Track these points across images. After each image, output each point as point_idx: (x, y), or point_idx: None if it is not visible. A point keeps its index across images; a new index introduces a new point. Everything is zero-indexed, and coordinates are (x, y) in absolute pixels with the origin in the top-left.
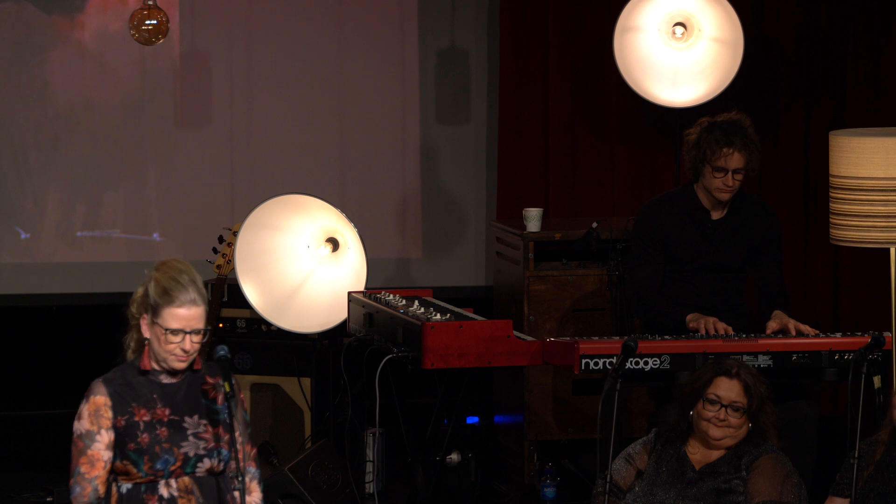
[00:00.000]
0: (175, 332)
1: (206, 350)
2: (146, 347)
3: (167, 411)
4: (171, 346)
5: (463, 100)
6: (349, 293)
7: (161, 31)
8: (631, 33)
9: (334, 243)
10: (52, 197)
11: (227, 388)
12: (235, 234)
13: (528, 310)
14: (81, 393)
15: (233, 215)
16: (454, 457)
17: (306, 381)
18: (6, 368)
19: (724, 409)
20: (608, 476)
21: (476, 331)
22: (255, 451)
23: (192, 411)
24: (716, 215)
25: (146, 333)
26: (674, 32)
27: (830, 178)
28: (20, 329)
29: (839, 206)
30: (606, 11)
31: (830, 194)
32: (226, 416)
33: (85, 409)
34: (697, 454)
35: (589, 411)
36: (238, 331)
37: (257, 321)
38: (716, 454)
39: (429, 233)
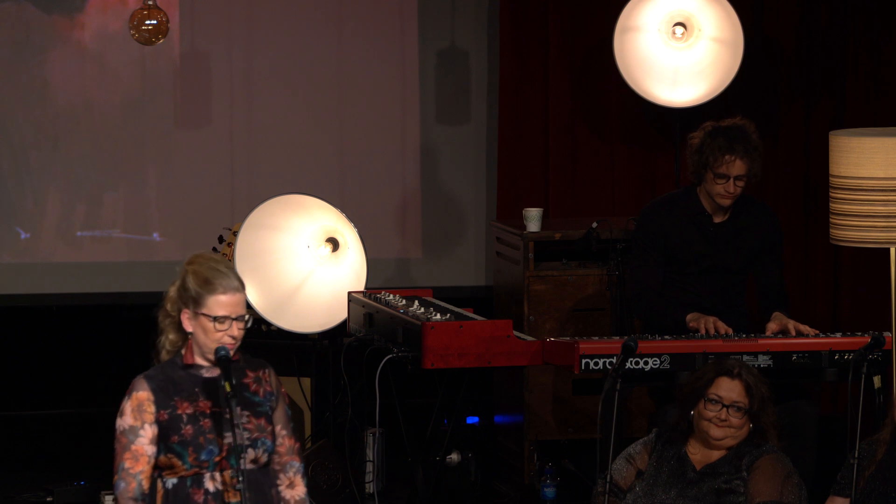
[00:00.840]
0: (222, 319)
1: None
2: (189, 342)
3: (209, 404)
4: (219, 335)
5: (463, 100)
6: (349, 293)
7: (161, 31)
8: (631, 33)
9: (334, 243)
10: (52, 197)
11: (228, 389)
12: (235, 234)
13: (528, 310)
14: (82, 393)
15: (233, 215)
16: (454, 457)
17: (306, 381)
18: (6, 368)
19: (725, 409)
20: (608, 476)
21: (476, 331)
22: (297, 445)
23: (236, 403)
24: (717, 218)
25: (189, 327)
26: (674, 32)
27: (830, 178)
28: (20, 329)
29: (839, 206)
30: (606, 11)
31: (830, 194)
32: (268, 408)
33: (127, 405)
34: (698, 454)
35: (589, 411)
36: None
37: (257, 321)
38: (716, 454)
39: (429, 233)
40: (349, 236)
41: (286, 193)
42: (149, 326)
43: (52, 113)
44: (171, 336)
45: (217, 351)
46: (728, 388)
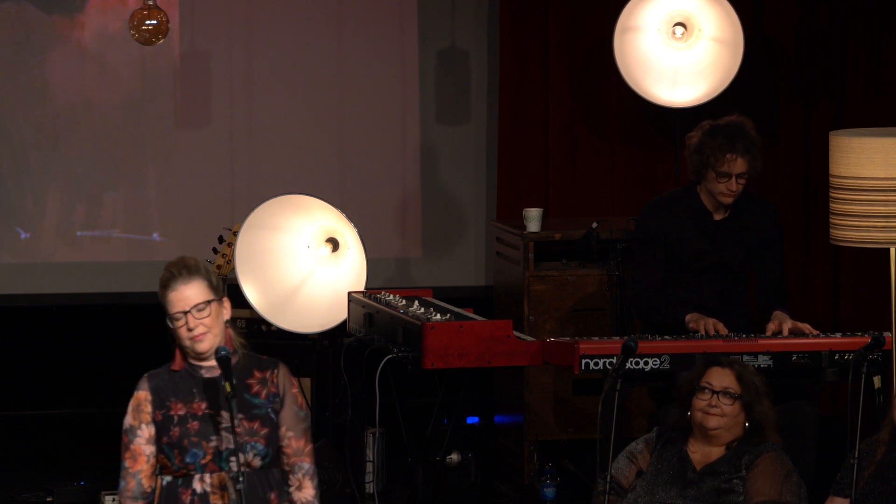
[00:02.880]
0: (177, 316)
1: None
2: (176, 349)
3: (204, 405)
4: (182, 332)
5: (463, 100)
6: (349, 293)
7: (161, 31)
8: (631, 33)
9: (334, 243)
10: (52, 197)
11: (228, 389)
12: (235, 234)
13: (528, 310)
14: (82, 393)
15: (233, 215)
16: (454, 457)
17: (306, 381)
18: (6, 368)
19: (715, 395)
20: (608, 476)
21: (476, 331)
22: (309, 446)
23: (229, 406)
24: (718, 216)
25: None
26: (674, 32)
27: (830, 178)
28: (20, 329)
29: (839, 206)
30: (606, 11)
31: (830, 194)
32: (268, 410)
33: (130, 404)
34: (698, 454)
35: (589, 411)
36: (238, 331)
37: (257, 321)
38: (716, 454)
39: (429, 233)
40: (349, 236)
41: (286, 193)
42: (148, 326)
43: (52, 113)
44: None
45: (217, 351)
46: (718, 376)
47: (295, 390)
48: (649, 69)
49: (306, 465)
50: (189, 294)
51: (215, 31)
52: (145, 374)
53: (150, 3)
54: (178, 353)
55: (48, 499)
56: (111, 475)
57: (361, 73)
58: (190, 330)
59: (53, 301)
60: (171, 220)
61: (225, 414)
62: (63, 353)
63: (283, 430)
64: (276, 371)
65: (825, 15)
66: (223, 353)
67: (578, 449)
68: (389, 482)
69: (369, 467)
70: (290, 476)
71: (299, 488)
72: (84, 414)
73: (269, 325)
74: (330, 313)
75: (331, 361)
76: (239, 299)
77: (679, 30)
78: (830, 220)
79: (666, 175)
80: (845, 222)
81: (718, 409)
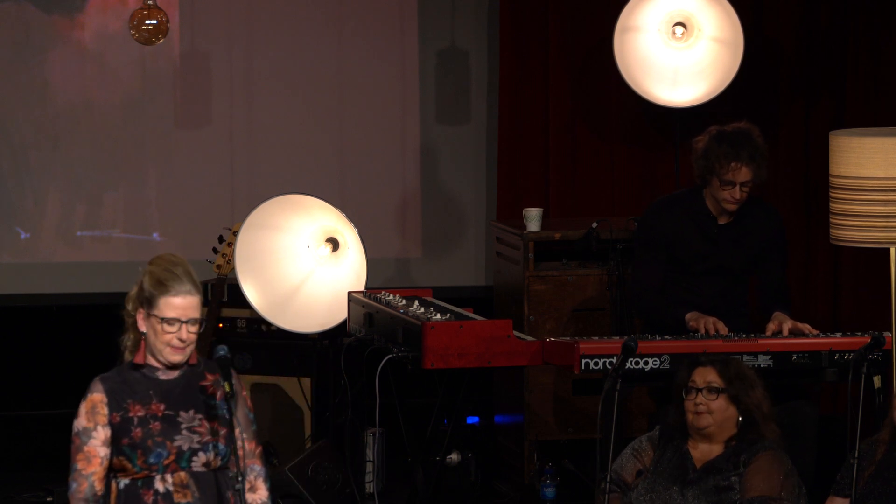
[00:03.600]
0: (171, 321)
1: (207, 348)
2: (142, 342)
3: (162, 407)
4: (168, 337)
5: (463, 100)
6: (349, 293)
7: (161, 31)
8: (631, 33)
9: (334, 243)
10: (52, 197)
11: (227, 389)
12: (235, 234)
13: (528, 310)
14: (81, 393)
15: (233, 215)
16: (454, 457)
17: (306, 381)
18: (6, 368)
19: (700, 393)
20: (608, 476)
21: (476, 331)
22: (259, 448)
23: (188, 406)
24: (722, 220)
25: (142, 328)
26: (674, 32)
27: (830, 178)
28: (20, 329)
29: (839, 206)
30: (606, 11)
31: (830, 194)
32: (224, 412)
33: (83, 406)
34: (698, 452)
35: (589, 411)
36: (238, 331)
37: (257, 321)
38: (716, 451)
39: (429, 233)
40: (349, 236)
41: (286, 193)
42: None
43: (52, 113)
44: (133, 335)
45: (217, 350)
46: (701, 375)
47: (245, 393)
48: (649, 69)
49: (258, 466)
50: (190, 306)
51: (215, 31)
52: (97, 377)
53: (150, 3)
54: (142, 348)
55: (48, 499)
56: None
57: (361, 73)
58: (181, 341)
59: (53, 301)
60: (171, 220)
61: (184, 414)
62: (63, 353)
63: (236, 432)
64: None
65: (825, 15)
66: (222, 353)
67: (578, 449)
68: (389, 482)
69: (369, 467)
70: (237, 481)
71: (252, 489)
72: None
73: (269, 325)
74: (330, 313)
75: (331, 361)
76: (239, 299)
77: (679, 30)
78: (830, 220)
79: (666, 175)
80: (845, 222)
81: (705, 406)
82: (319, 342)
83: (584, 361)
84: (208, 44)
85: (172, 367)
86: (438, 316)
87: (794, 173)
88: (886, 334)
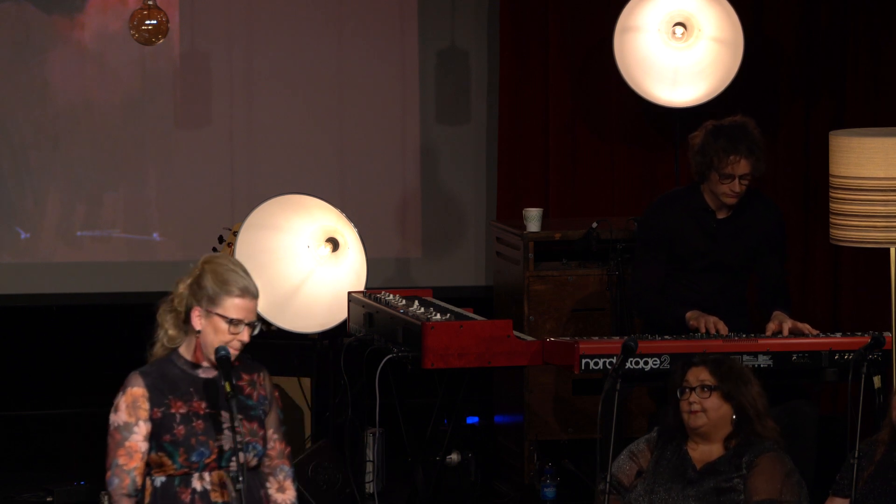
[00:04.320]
0: (236, 322)
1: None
2: (196, 340)
3: (203, 405)
4: (230, 338)
5: (463, 100)
6: (349, 293)
7: (161, 31)
8: (631, 33)
9: (334, 243)
10: (52, 197)
11: (228, 389)
12: (235, 234)
13: (528, 310)
14: (82, 392)
15: (233, 215)
16: (454, 457)
17: (306, 381)
18: (6, 368)
19: (693, 392)
20: (608, 476)
21: (476, 331)
22: (288, 449)
23: (229, 406)
24: (720, 214)
25: (198, 325)
26: (674, 32)
27: (830, 178)
28: (20, 329)
29: (839, 206)
30: (606, 11)
31: (830, 194)
32: (261, 412)
33: (122, 400)
34: (698, 452)
35: (589, 411)
36: None
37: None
38: (716, 452)
39: (429, 233)
40: (349, 236)
41: (286, 193)
42: (148, 326)
43: (52, 113)
44: (171, 332)
45: (217, 350)
46: (694, 374)
47: (276, 393)
48: (649, 69)
49: (287, 467)
50: (253, 308)
51: (215, 31)
52: (135, 372)
53: (150, 3)
54: (197, 346)
55: (48, 499)
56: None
57: (361, 73)
58: (241, 342)
59: (53, 301)
60: (171, 220)
61: (225, 414)
62: (63, 353)
63: (269, 432)
64: (261, 374)
65: (825, 15)
66: (223, 353)
67: (578, 449)
68: (389, 482)
69: (369, 467)
70: (271, 478)
71: (281, 490)
72: (84, 414)
73: (269, 324)
74: (330, 313)
75: (331, 361)
76: None
77: (679, 30)
78: (830, 220)
79: (666, 175)
80: (845, 222)
81: (699, 405)
82: (319, 342)
83: (584, 361)
84: (208, 44)
85: (214, 366)
86: (438, 316)
87: (794, 173)
88: (886, 334)
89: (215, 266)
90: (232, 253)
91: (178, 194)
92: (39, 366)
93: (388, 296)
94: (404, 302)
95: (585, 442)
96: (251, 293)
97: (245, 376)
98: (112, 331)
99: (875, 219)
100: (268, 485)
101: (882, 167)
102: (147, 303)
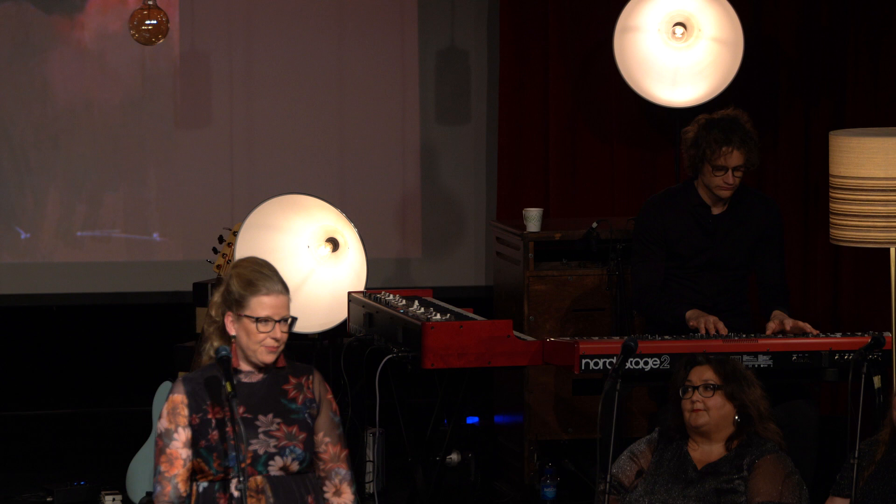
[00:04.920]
0: (265, 320)
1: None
2: (233, 346)
3: (241, 409)
4: (262, 336)
5: (463, 100)
6: (349, 293)
7: (161, 31)
8: (631, 33)
9: (334, 243)
10: (52, 197)
11: (229, 389)
12: (235, 234)
13: (528, 310)
14: (82, 393)
15: (233, 215)
16: (454, 457)
17: None
18: (6, 368)
19: (696, 391)
20: (608, 476)
21: (476, 331)
22: (345, 452)
23: (268, 410)
24: (716, 210)
25: (232, 331)
26: (674, 32)
27: (830, 178)
28: (20, 329)
29: (839, 206)
30: (606, 12)
31: (830, 194)
32: (305, 415)
33: (165, 408)
34: (698, 453)
35: (589, 411)
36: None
37: None
38: (717, 453)
39: (429, 233)
40: (349, 236)
41: (286, 193)
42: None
43: (52, 113)
44: (216, 343)
45: (218, 351)
46: (698, 373)
47: (329, 396)
48: (649, 69)
49: (343, 470)
50: (282, 304)
51: (215, 31)
52: (181, 377)
53: (150, 3)
54: (235, 352)
55: (48, 499)
56: (111, 475)
57: (361, 74)
58: (275, 339)
59: (53, 301)
60: (171, 220)
61: (263, 418)
62: (63, 353)
63: (319, 435)
64: (311, 377)
65: (825, 15)
66: (223, 353)
67: (578, 449)
68: (389, 482)
69: (369, 467)
70: (327, 482)
71: (337, 493)
72: (84, 414)
73: None
74: (330, 313)
75: (331, 361)
76: None
77: (679, 30)
78: (830, 219)
79: (666, 175)
80: (845, 222)
81: (701, 403)
82: (319, 342)
83: (584, 361)
84: (208, 44)
85: (259, 369)
86: (438, 316)
87: (794, 173)
88: (886, 334)
89: (241, 270)
90: (232, 253)
91: (178, 194)
92: (39, 366)
93: (388, 296)
94: (404, 302)
95: (585, 442)
96: (276, 289)
97: (293, 379)
98: (112, 331)
99: (875, 219)
100: (324, 489)
101: (882, 167)
102: (147, 303)
